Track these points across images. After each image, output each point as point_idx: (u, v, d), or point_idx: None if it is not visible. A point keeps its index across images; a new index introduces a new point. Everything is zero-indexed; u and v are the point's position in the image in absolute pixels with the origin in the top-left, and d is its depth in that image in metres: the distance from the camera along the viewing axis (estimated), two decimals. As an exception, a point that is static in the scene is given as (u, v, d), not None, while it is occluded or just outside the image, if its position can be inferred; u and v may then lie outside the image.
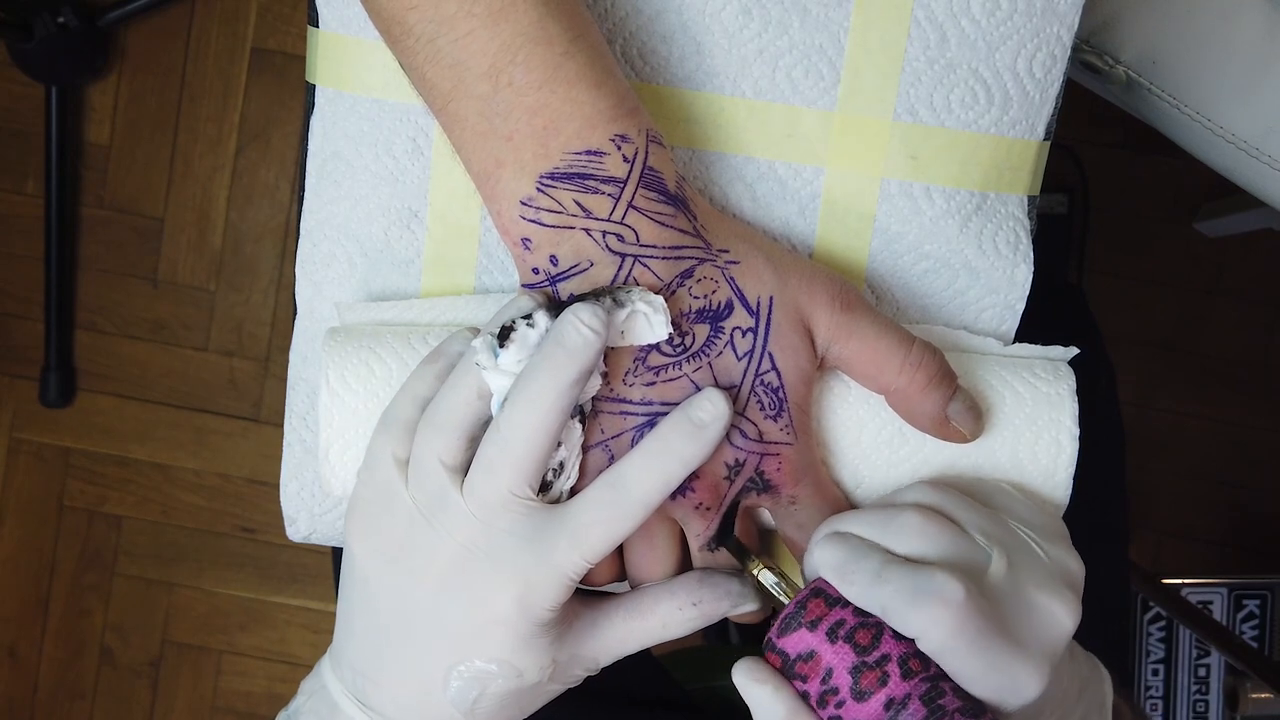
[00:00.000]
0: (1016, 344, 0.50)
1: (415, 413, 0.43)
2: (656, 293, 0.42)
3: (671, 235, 0.42)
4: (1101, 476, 0.76)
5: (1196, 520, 1.45)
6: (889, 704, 0.39)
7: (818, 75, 0.48)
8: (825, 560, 0.41)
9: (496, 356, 0.41)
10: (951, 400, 0.45)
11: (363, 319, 0.49)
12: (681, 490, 0.43)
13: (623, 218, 0.42)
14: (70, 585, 1.49)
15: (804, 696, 0.41)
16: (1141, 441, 1.44)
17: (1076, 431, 0.47)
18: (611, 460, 0.43)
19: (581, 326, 0.40)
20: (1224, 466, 1.45)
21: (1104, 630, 0.74)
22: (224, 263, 1.45)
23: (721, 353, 0.43)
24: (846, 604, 0.40)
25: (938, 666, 0.40)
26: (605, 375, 0.43)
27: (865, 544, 0.41)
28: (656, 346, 0.43)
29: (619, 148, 0.42)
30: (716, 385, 0.43)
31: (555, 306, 0.42)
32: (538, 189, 0.41)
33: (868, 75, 0.48)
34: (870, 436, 0.46)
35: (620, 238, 0.42)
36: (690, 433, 0.42)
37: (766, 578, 0.43)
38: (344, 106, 0.49)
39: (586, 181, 0.41)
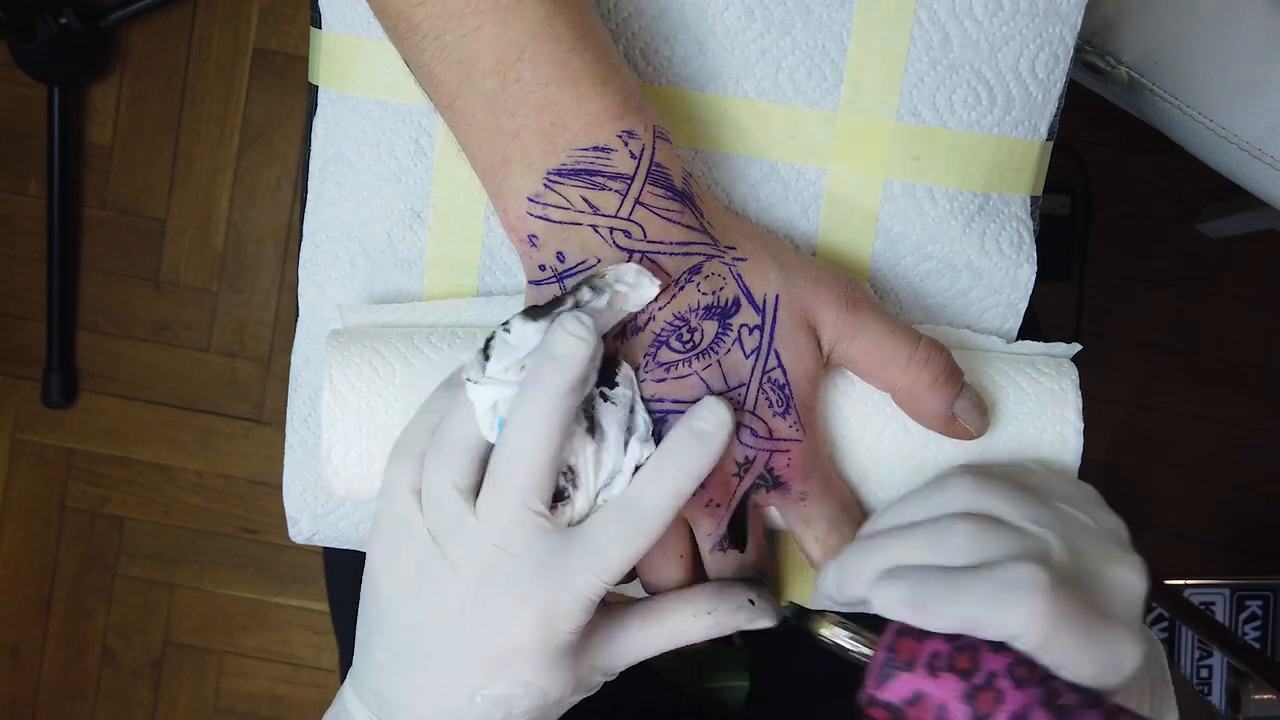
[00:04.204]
0: (1019, 341, 0.50)
1: (427, 441, 0.43)
2: (665, 289, 0.42)
3: (679, 231, 0.42)
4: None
5: (1198, 521, 1.45)
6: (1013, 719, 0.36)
7: (820, 76, 0.48)
8: (893, 599, 0.39)
9: (484, 370, 0.41)
10: (958, 398, 0.45)
11: (365, 321, 0.49)
12: None
13: (630, 214, 0.42)
14: (72, 586, 1.49)
15: None
16: (1142, 441, 1.44)
17: (1081, 425, 0.47)
18: None
19: (568, 337, 0.40)
20: (1225, 466, 1.45)
21: None
22: (226, 264, 1.45)
23: (730, 350, 0.43)
24: (933, 634, 0.38)
25: (1042, 667, 0.37)
26: (634, 367, 0.43)
27: (924, 569, 0.39)
28: (666, 343, 0.43)
29: (626, 144, 0.42)
30: (726, 383, 0.43)
31: (532, 311, 0.42)
32: (545, 185, 0.41)
33: (870, 76, 0.48)
34: (875, 433, 0.46)
35: (628, 234, 0.42)
36: (695, 444, 0.42)
37: (839, 634, 0.41)
38: (346, 107, 0.49)
39: (594, 178, 0.41)
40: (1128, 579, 0.39)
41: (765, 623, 0.44)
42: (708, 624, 0.44)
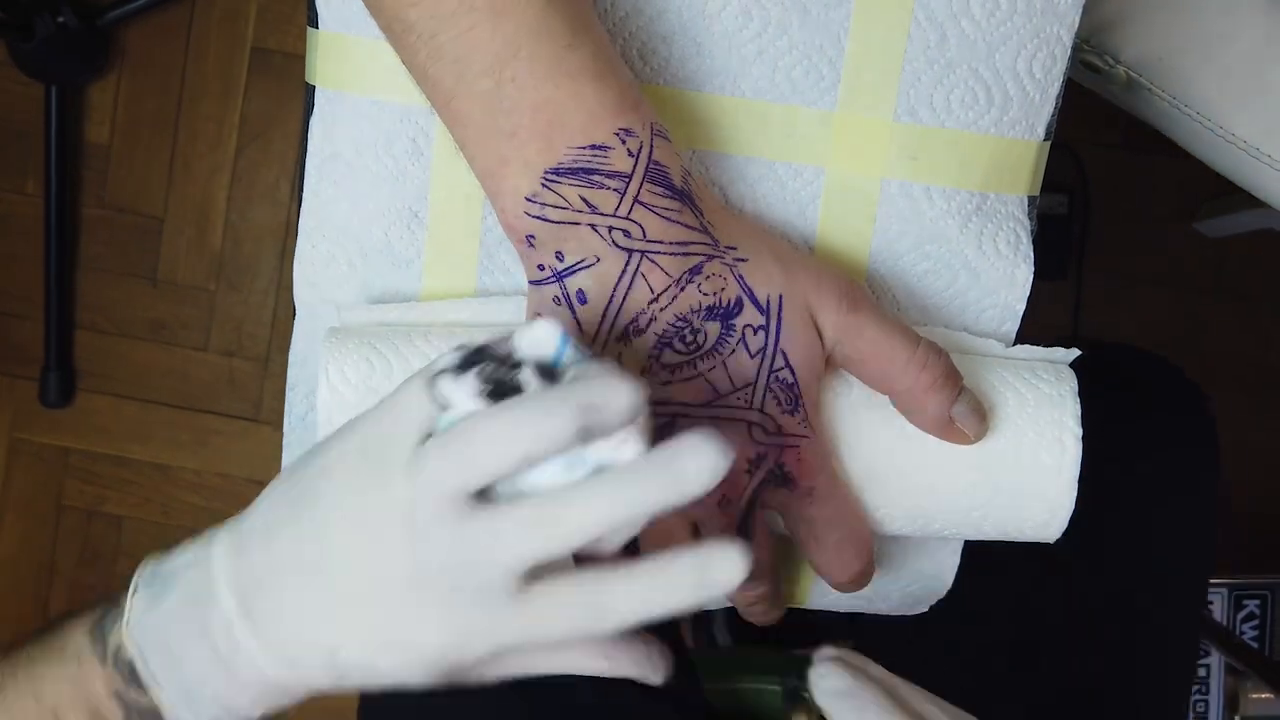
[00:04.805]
0: (1018, 346, 0.50)
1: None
2: (665, 290, 0.42)
3: (678, 230, 0.42)
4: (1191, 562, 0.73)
5: (1196, 520, 1.45)
6: None
7: (818, 75, 0.48)
8: None
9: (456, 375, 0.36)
10: (956, 402, 0.45)
11: (363, 320, 0.49)
12: None
13: (628, 213, 0.42)
14: (70, 585, 1.49)
15: None
16: (1141, 442, 1.44)
17: (1079, 432, 0.47)
18: None
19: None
20: (1224, 466, 1.44)
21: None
22: (224, 263, 1.45)
23: (734, 351, 0.43)
24: None
25: None
26: (638, 370, 0.41)
27: None
28: (670, 344, 0.43)
29: (623, 142, 0.42)
30: (732, 384, 0.43)
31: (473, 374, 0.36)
32: (542, 185, 0.41)
33: (868, 75, 0.48)
34: (872, 436, 0.46)
35: (627, 233, 0.42)
36: (667, 486, 0.35)
37: None
38: (344, 107, 0.49)
39: (591, 176, 0.41)
40: None
41: (656, 680, 0.40)
42: (601, 667, 0.40)
